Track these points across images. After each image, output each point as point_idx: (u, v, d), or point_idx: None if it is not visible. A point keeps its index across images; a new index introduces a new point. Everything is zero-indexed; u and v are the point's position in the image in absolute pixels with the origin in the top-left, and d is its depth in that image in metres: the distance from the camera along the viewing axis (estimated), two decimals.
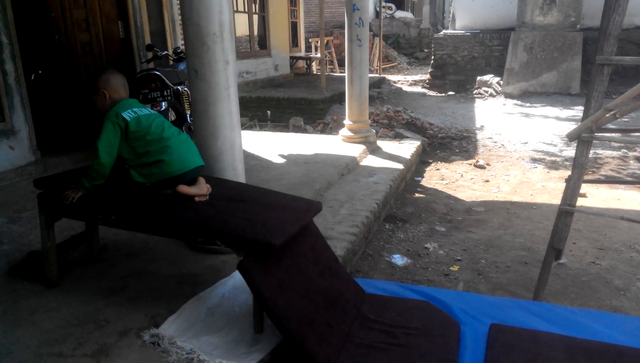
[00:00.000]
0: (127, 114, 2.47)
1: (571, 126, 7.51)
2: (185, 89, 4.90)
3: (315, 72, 13.90)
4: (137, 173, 2.48)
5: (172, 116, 5.00)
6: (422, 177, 5.82)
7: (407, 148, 6.23)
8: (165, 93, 4.69)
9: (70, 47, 5.92)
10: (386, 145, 6.32)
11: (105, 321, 2.34)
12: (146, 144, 2.46)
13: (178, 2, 6.42)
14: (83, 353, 2.11)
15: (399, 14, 20.42)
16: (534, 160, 6.41)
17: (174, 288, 2.66)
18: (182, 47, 5.72)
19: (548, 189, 5.29)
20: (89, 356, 2.10)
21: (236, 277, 2.73)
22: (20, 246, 3.12)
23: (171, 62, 5.52)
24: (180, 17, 6.52)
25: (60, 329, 2.27)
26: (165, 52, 5.47)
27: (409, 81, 14.21)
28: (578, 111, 9.27)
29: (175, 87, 4.79)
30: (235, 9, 9.97)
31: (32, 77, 5.65)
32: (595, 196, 5.00)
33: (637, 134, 5.47)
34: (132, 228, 2.47)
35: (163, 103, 4.69)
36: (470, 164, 6.23)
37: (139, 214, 2.40)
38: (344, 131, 6.09)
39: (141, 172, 2.48)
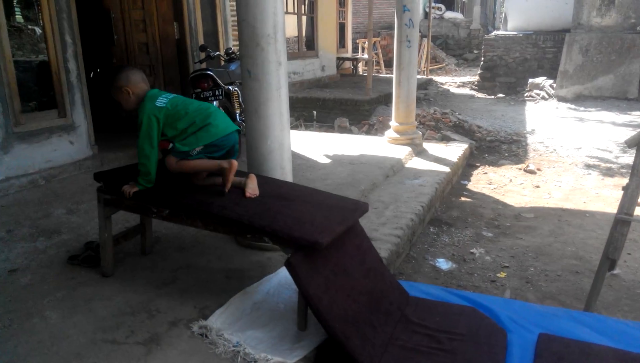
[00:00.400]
0: (160, 102, 2.57)
1: (628, 132, 7.20)
2: (236, 89, 5.01)
3: (361, 73, 13.88)
4: (181, 144, 2.57)
5: None
6: (469, 181, 5.71)
7: (454, 150, 6.13)
8: (217, 93, 4.81)
9: (128, 47, 6.17)
10: (432, 147, 6.24)
11: (156, 311, 2.43)
12: (189, 118, 2.56)
13: (231, 3, 6.58)
14: (135, 341, 2.21)
15: (449, 14, 20.09)
16: (588, 166, 6.17)
17: (221, 282, 2.73)
18: (234, 48, 5.86)
19: (602, 196, 5.09)
20: (140, 344, 2.19)
21: (281, 274, 2.77)
22: (78, 236, 3.28)
23: (222, 63, 5.66)
24: (232, 19, 6.69)
25: (114, 317, 2.38)
26: (218, 52, 5.61)
27: (456, 82, 13.96)
28: (636, 116, 8.87)
29: (226, 87, 4.91)
30: (285, 10, 10.09)
31: (92, 75, 5.92)
32: None
33: None
34: (184, 222, 2.55)
35: (215, 102, 4.81)
36: (520, 169, 6.07)
37: (191, 209, 2.47)
38: (390, 133, 6.06)
39: (187, 141, 2.56)
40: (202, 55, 5.70)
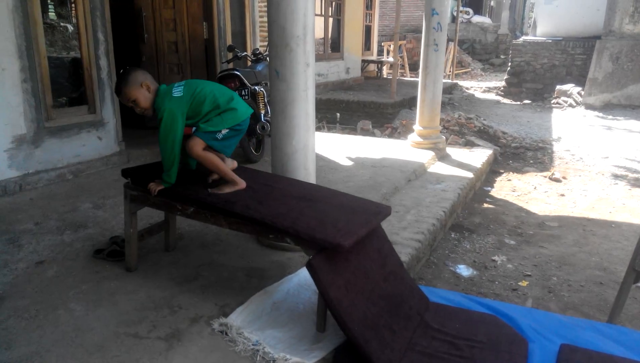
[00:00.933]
0: (177, 92, 2.59)
1: None
2: (262, 89, 5.05)
3: (385, 76, 13.84)
4: (207, 124, 2.61)
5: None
6: (492, 187, 5.65)
7: (478, 156, 6.07)
8: (243, 93, 4.85)
9: (157, 46, 6.28)
10: (456, 152, 6.19)
11: (178, 307, 2.47)
12: (211, 100, 2.62)
13: (260, 5, 6.64)
14: (157, 336, 2.25)
15: (476, 18, 19.90)
16: (615, 176, 6.05)
17: (242, 280, 2.76)
18: (261, 49, 5.90)
19: (629, 207, 4.98)
20: (162, 339, 2.23)
21: (301, 275, 2.79)
22: (104, 230, 3.36)
23: (249, 63, 5.71)
24: (260, 20, 6.75)
25: (137, 311, 2.43)
26: (245, 53, 5.66)
27: (482, 87, 13.81)
28: None
29: (252, 88, 4.95)
30: None
31: (121, 72, 6.03)
32: None
33: None
34: (208, 220, 2.58)
35: None
36: (545, 177, 5.98)
37: (215, 208, 2.51)
38: (413, 136, 6.03)
39: (212, 123, 2.61)
40: (230, 55, 5.77)
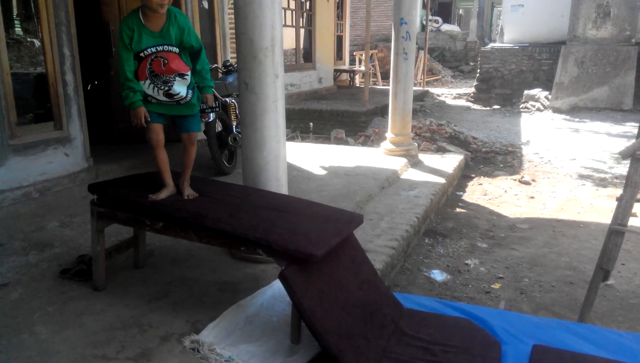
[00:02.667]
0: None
1: (622, 143, 7.24)
2: (233, 101, 5.02)
3: (358, 85, 13.94)
4: None
5: (219, 126, 5.14)
6: (464, 192, 5.72)
7: (450, 161, 6.15)
8: (214, 105, 4.81)
9: None
10: (428, 158, 6.26)
11: (148, 325, 2.42)
12: None
13: (229, 17, 6.62)
14: (126, 357, 2.19)
15: (446, 27, 20.26)
16: (582, 177, 6.19)
17: (215, 295, 2.72)
18: (231, 61, 5.88)
19: (596, 207, 5.10)
20: (131, 359, 2.17)
21: (275, 287, 2.76)
22: (71, 249, 3.27)
23: (220, 75, 5.68)
24: (230, 32, 6.73)
25: (105, 332, 2.36)
26: (215, 65, 5.63)
27: (453, 94, 14.04)
28: (630, 127, 8.92)
29: (223, 99, 4.92)
30: (283, 23, 10.16)
31: (89, 88, 5.94)
32: None
33: None
34: (178, 235, 2.55)
35: (211, 114, 4.82)
36: (515, 180, 6.09)
37: (185, 222, 2.47)
38: (386, 144, 6.08)
39: None
40: None
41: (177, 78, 2.73)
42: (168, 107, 2.82)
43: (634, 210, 4.68)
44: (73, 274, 2.86)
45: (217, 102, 4.82)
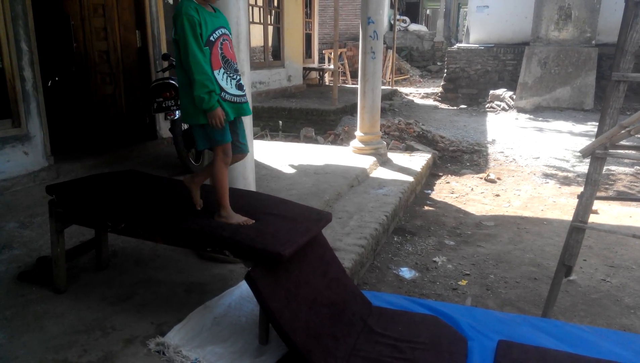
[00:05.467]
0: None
1: (584, 142, 7.46)
2: None
3: (327, 84, 13.95)
4: None
5: (185, 124, 5.05)
6: (432, 190, 5.79)
7: (418, 160, 6.21)
8: (179, 102, 4.72)
9: (88, 55, 6.02)
10: (397, 157, 6.31)
11: (111, 328, 2.35)
12: None
13: None
14: (88, 361, 2.12)
15: (413, 27, 20.47)
16: (546, 175, 6.36)
17: (181, 296, 2.67)
18: None
19: (559, 204, 5.24)
20: None
21: (243, 287, 2.73)
22: (30, 251, 3.16)
23: None
24: None
25: (66, 335, 2.29)
26: None
27: (421, 93, 14.20)
28: (591, 126, 9.20)
29: None
30: (251, 20, 10.07)
31: (49, 84, 5.75)
32: (607, 213, 4.94)
33: None
34: (142, 236, 2.48)
35: (177, 112, 4.74)
36: (481, 178, 6.20)
37: (149, 222, 2.41)
38: (355, 143, 6.09)
39: None
40: (165, 64, 5.61)
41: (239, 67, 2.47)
42: (236, 108, 2.43)
43: (594, 207, 4.84)
44: (33, 276, 2.76)
45: None
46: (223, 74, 2.35)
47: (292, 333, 2.12)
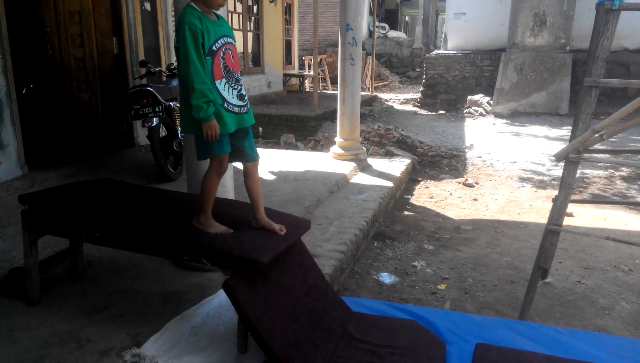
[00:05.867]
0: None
1: (560, 146, 7.60)
2: (177, 105, 4.91)
3: (307, 90, 13.99)
4: None
5: (163, 131, 5.01)
6: (412, 195, 5.83)
7: (397, 165, 6.25)
8: (157, 109, 4.69)
9: (64, 62, 5.94)
10: (376, 163, 6.34)
11: (86, 340, 2.31)
12: None
13: (173, 19, 6.48)
14: None
15: (392, 33, 20.67)
16: (522, 179, 6.46)
17: (158, 306, 2.64)
18: (176, 64, 5.75)
19: (535, 208, 5.32)
20: None
21: (221, 295, 2.70)
22: (3, 262, 3.08)
23: (164, 79, 5.55)
24: (174, 34, 6.58)
25: (40, 348, 2.24)
26: (159, 68, 5.49)
27: (400, 99, 14.33)
28: (567, 130, 9.38)
29: (167, 103, 4.80)
30: (230, 26, 10.04)
31: (24, 91, 5.65)
32: (582, 216, 5.03)
33: (623, 155, 5.54)
34: (117, 245, 2.45)
35: (154, 119, 4.70)
36: (460, 183, 6.26)
37: (124, 231, 2.38)
38: (335, 149, 6.11)
39: None
40: (143, 70, 5.57)
41: (241, 77, 2.44)
42: (238, 118, 2.40)
43: (570, 210, 4.93)
44: (5, 288, 2.70)
45: (160, 106, 4.70)
46: (225, 84, 2.33)
47: (270, 341, 2.11)
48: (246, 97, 2.46)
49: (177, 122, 4.92)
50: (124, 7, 5.75)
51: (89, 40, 5.87)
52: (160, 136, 4.90)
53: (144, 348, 2.23)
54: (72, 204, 2.56)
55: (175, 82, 5.22)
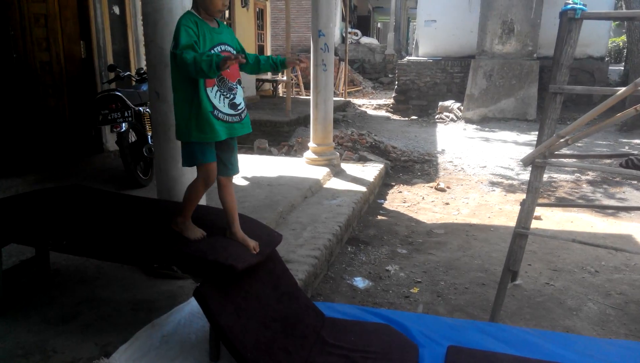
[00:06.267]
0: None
1: (528, 151, 7.76)
2: (147, 110, 4.84)
3: (281, 95, 13.98)
4: None
5: (133, 137, 4.92)
6: (385, 199, 5.88)
7: (371, 170, 6.30)
8: (126, 114, 4.61)
9: (30, 67, 5.79)
10: (350, 168, 6.37)
11: (52, 351, 2.24)
12: None
13: (143, 22, 6.40)
14: None
15: (365, 40, 20.86)
16: (492, 183, 6.58)
17: (127, 315, 2.58)
18: (145, 68, 5.67)
19: (505, 211, 5.42)
20: None
21: (193, 303, 2.67)
22: None
23: (134, 83, 5.46)
24: (144, 38, 6.50)
25: (4, 360, 2.17)
26: (128, 72, 5.40)
27: (373, 105, 14.45)
28: (534, 136, 9.57)
29: (137, 108, 4.73)
30: None
31: None
32: (550, 219, 5.15)
33: (589, 159, 5.70)
34: (85, 253, 2.39)
35: (123, 124, 4.62)
36: (432, 187, 6.34)
37: (92, 239, 2.33)
38: (309, 154, 6.12)
39: None
40: (111, 75, 5.47)
41: (238, 86, 2.42)
42: (228, 127, 2.36)
43: (538, 214, 5.05)
44: None
45: (129, 111, 4.63)
46: (216, 92, 2.31)
47: (242, 349, 2.09)
48: (240, 106, 2.43)
49: (148, 127, 4.84)
50: (91, 11, 5.65)
51: (56, 45, 5.74)
52: (130, 141, 4.82)
53: (113, 359, 2.18)
54: (38, 211, 2.49)
55: (144, 87, 5.15)
